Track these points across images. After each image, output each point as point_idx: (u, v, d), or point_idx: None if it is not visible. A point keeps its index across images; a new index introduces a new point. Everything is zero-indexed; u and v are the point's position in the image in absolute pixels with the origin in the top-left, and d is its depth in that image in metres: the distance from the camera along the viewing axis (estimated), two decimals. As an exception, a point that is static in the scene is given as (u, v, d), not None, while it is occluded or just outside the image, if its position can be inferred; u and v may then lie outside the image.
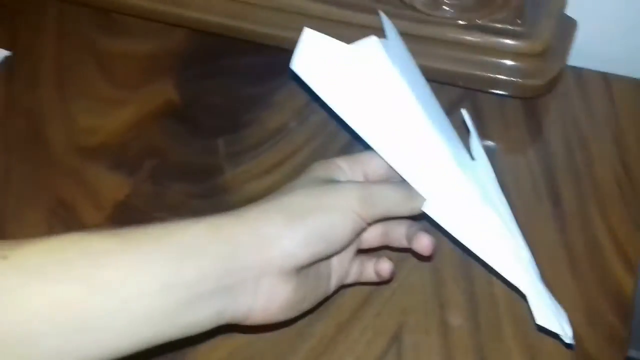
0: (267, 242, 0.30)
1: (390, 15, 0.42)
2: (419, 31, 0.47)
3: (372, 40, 0.36)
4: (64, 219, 0.44)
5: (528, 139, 0.47)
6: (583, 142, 0.46)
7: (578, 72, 0.50)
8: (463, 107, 0.48)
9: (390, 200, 0.34)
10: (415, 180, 0.35)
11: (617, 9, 0.50)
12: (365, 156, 0.36)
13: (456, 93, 0.49)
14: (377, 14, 0.42)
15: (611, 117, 0.47)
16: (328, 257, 0.33)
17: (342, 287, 0.38)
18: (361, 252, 0.38)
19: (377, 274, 0.37)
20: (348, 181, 0.34)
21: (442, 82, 0.49)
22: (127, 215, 0.44)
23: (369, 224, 0.34)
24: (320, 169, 0.35)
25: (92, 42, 0.55)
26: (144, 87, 0.51)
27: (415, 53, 0.48)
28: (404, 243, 0.36)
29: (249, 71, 0.51)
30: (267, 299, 0.31)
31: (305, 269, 0.32)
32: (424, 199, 0.35)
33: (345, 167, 0.35)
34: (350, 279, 0.37)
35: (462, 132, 0.41)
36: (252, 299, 0.30)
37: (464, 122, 0.41)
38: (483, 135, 0.47)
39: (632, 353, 0.95)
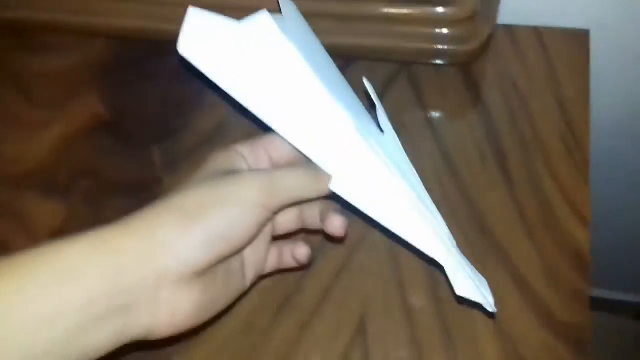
0: (159, 250, 0.27)
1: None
2: (345, 9, 0.45)
3: (264, 15, 0.33)
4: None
5: (469, 105, 0.46)
6: (523, 101, 0.46)
7: (510, 29, 0.49)
8: (400, 81, 0.47)
9: (294, 186, 0.31)
10: (321, 160, 0.33)
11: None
12: (267, 139, 0.34)
13: (391, 68, 0.48)
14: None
15: (548, 71, 0.47)
16: (234, 254, 0.31)
17: (263, 277, 0.36)
18: (280, 237, 0.36)
19: (295, 259, 0.35)
20: (247, 170, 0.32)
21: (375, 58, 0.48)
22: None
23: (276, 213, 0.32)
24: (219, 159, 0.32)
25: (6, 63, 0.52)
26: (67, 104, 0.49)
27: (343, 31, 0.46)
28: (319, 224, 0.35)
29: (174, 73, 0.48)
30: (170, 311, 0.28)
31: (212, 268, 0.30)
32: (331, 179, 0.33)
33: (247, 153, 0.33)
34: (268, 268, 0.35)
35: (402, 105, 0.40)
36: (152, 314, 0.28)
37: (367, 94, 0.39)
38: (423, 105, 0.46)
39: (596, 292, 0.97)
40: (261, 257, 0.34)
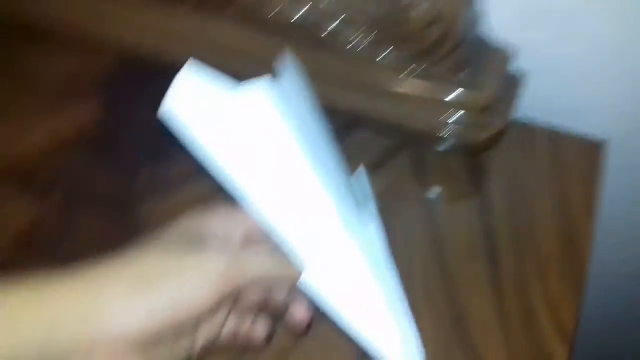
0: (100, 314, 0.25)
1: (331, 58, 0.40)
2: (359, 76, 0.44)
3: (262, 83, 0.31)
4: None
5: (469, 193, 0.45)
6: (526, 202, 0.44)
7: (525, 127, 0.48)
8: (403, 155, 0.46)
9: (263, 268, 0.29)
10: (298, 246, 0.30)
11: (568, 62, 0.49)
12: (244, 212, 0.31)
13: (397, 138, 0.47)
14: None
15: (557, 177, 0.45)
16: (185, 325, 0.28)
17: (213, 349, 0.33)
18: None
19: (249, 339, 0.32)
20: (215, 244, 0.30)
21: (382, 127, 0.47)
22: (33, 244, 0.40)
23: (239, 287, 0.29)
24: (191, 224, 0.31)
25: (13, 60, 0.51)
26: (63, 109, 0.48)
27: (355, 98, 0.45)
28: (283, 309, 0.32)
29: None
30: None
31: (159, 338, 0.27)
32: (303, 269, 0.30)
33: (221, 222, 0.31)
34: (223, 338, 0.32)
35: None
36: None
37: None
38: (423, 183, 0.44)
39: None
40: (215, 328, 0.31)
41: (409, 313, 0.33)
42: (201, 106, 0.30)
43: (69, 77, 0.50)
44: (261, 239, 0.32)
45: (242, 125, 0.31)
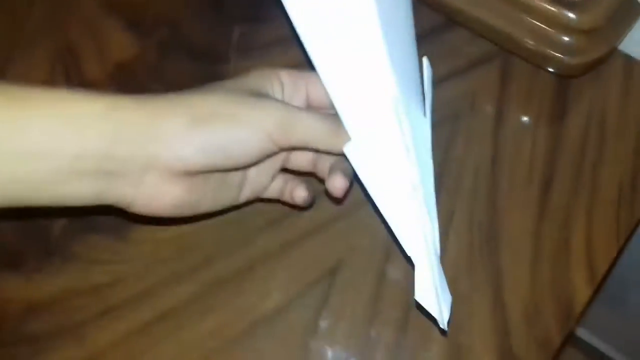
0: (159, 139, 0.28)
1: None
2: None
3: None
4: (66, 66, 0.44)
5: (545, 117, 0.44)
6: (601, 137, 0.43)
7: (628, 60, 0.45)
8: (492, 65, 0.45)
9: (312, 132, 0.31)
10: (349, 117, 0.32)
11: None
12: (311, 77, 0.33)
13: (489, 48, 0.46)
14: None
15: (644, 119, 0.43)
16: (229, 169, 0.32)
17: (261, 200, 0.37)
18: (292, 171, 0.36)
19: (292, 199, 0.35)
20: (274, 100, 0.31)
21: (479, 34, 0.46)
22: (126, 78, 0.44)
23: (285, 150, 0.32)
24: (257, 79, 0.32)
25: None
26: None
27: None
28: (326, 176, 0.34)
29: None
30: (150, 195, 0.30)
31: (205, 174, 0.31)
32: (349, 140, 0.32)
33: (288, 82, 0.33)
34: (268, 194, 0.36)
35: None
36: (133, 191, 0.29)
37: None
38: (502, 98, 0.44)
39: (581, 332, 0.94)
40: (264, 182, 0.35)
41: (435, 219, 0.35)
42: None
43: None
44: (321, 104, 0.33)
45: None
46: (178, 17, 0.47)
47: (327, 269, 0.38)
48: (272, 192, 0.36)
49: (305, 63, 0.33)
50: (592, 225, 0.40)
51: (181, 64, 0.45)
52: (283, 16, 0.47)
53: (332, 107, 0.33)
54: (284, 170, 0.36)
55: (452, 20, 0.46)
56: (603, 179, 0.41)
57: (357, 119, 0.32)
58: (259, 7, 0.48)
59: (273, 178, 0.36)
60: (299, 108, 0.32)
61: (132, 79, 0.44)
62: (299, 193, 0.35)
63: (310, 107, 0.34)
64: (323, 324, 0.36)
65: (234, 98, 0.30)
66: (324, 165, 0.35)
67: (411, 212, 0.32)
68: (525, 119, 0.44)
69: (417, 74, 0.37)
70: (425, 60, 0.37)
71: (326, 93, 0.32)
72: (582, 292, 0.38)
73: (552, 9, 0.41)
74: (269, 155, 0.32)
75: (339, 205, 0.39)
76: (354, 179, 0.34)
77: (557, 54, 0.42)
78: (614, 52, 0.45)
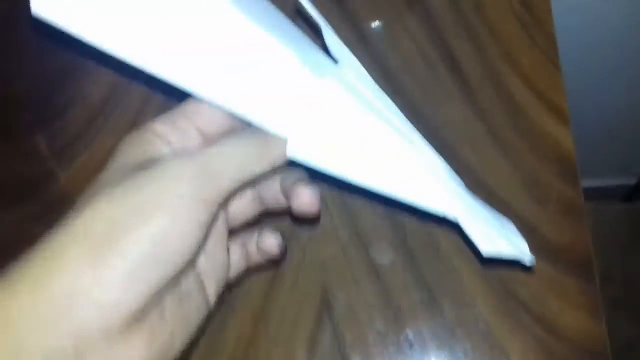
0: (68, 303, 0.20)
1: None
2: None
3: None
4: None
5: (403, 7, 0.38)
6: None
7: None
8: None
9: (238, 159, 0.23)
10: (268, 119, 0.24)
11: None
12: (191, 107, 0.24)
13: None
14: None
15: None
16: (175, 276, 0.22)
17: (232, 287, 0.29)
18: (238, 231, 0.28)
19: (265, 254, 0.27)
20: (170, 158, 0.23)
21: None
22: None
23: (223, 205, 0.23)
24: (131, 148, 0.23)
25: None
26: None
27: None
28: (284, 202, 0.27)
29: (43, 41, 0.39)
30: None
31: (151, 306, 0.22)
32: (285, 141, 0.24)
33: (168, 131, 0.24)
34: (234, 273, 0.28)
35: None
36: None
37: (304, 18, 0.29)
38: (350, 16, 0.38)
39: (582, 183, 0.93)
40: (221, 261, 0.26)
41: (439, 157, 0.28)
42: None
43: None
44: (222, 130, 0.25)
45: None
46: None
47: (316, 304, 0.31)
48: (237, 266, 0.28)
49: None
50: (522, 70, 0.35)
51: (5, 216, 0.35)
52: (79, 92, 0.38)
53: (239, 122, 0.24)
54: (230, 234, 0.27)
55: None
56: (496, 20, 0.36)
57: (275, 115, 0.24)
58: (48, 99, 0.39)
59: (227, 252, 0.26)
60: (201, 149, 0.23)
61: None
62: (269, 241, 0.27)
63: (209, 136, 0.25)
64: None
65: (123, 191, 0.21)
66: (271, 194, 0.27)
67: (411, 165, 0.25)
68: (383, 20, 0.38)
69: (294, 27, 0.28)
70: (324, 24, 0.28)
71: (218, 116, 0.24)
72: (562, 136, 0.33)
73: None
74: (209, 224, 0.23)
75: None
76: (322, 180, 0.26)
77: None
78: None
